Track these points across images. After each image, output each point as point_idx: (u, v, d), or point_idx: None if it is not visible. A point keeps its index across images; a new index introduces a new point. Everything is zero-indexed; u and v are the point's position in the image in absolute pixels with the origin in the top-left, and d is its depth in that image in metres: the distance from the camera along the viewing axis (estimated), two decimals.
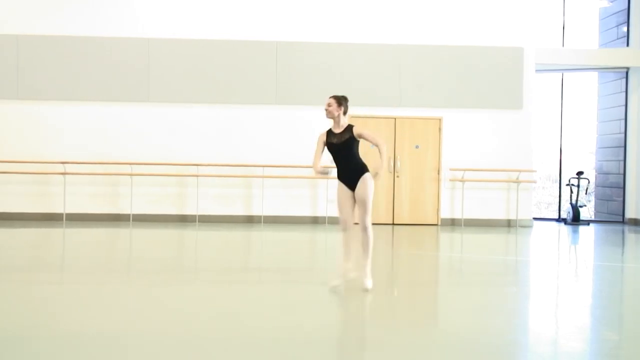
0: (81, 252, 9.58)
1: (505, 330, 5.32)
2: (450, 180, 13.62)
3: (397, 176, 13.67)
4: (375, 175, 6.40)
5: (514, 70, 13.67)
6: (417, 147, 13.71)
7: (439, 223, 13.68)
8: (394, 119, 13.68)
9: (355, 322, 5.62)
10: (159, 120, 13.32)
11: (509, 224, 13.71)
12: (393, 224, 13.61)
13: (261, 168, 13.25)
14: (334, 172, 6.71)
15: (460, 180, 13.50)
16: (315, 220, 13.48)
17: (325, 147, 6.59)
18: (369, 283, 6.46)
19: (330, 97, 6.53)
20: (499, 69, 13.65)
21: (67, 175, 12.94)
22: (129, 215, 13.12)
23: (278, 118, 13.47)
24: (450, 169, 13.58)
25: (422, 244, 11.33)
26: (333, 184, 13.32)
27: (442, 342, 4.87)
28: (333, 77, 13.43)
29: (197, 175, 13.08)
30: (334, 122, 6.52)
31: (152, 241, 10.94)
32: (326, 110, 6.49)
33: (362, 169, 6.46)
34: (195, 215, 13.17)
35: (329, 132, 6.55)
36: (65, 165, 12.91)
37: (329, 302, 6.28)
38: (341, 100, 6.52)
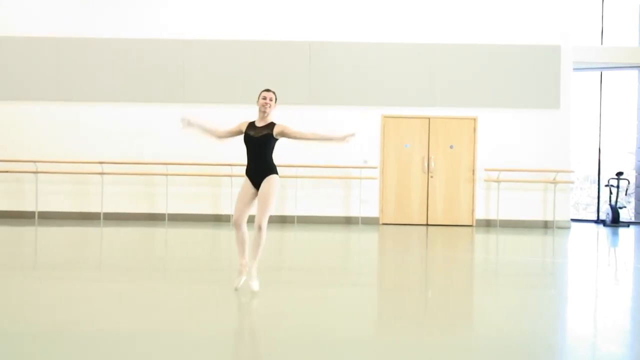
0: (120, 251, 9.69)
1: (544, 333, 5.23)
2: (485, 180, 13.47)
3: (431, 176, 13.57)
4: (345, 138, 6.38)
5: (550, 68, 13.46)
6: (451, 147, 13.59)
7: (474, 224, 13.54)
8: (427, 119, 13.59)
9: (388, 324, 5.57)
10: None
11: (545, 226, 13.51)
12: (427, 224, 13.52)
13: (294, 168, 13.26)
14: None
15: (496, 181, 13.35)
16: (348, 221, 13.45)
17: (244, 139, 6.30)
18: (254, 285, 6.15)
19: (269, 92, 6.27)
20: (535, 67, 13.47)
21: (104, 175, 13.12)
22: (164, 214, 13.25)
23: (310, 118, 13.46)
24: (485, 169, 13.44)
25: (457, 245, 11.22)
26: (368, 184, 13.31)
27: (477, 345, 4.81)
28: (366, 77, 13.41)
29: (231, 176, 13.14)
30: (261, 116, 6.26)
31: (188, 241, 11.02)
32: (265, 104, 6.19)
33: (272, 169, 6.21)
34: (229, 216, 13.24)
35: (251, 124, 6.28)
36: (103, 165, 13.09)
37: (358, 304, 6.25)
38: (276, 96, 6.31)
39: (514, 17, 13.53)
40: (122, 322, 5.17)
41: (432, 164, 13.57)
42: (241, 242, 6.28)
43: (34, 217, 13.14)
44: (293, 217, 13.36)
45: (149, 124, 13.41)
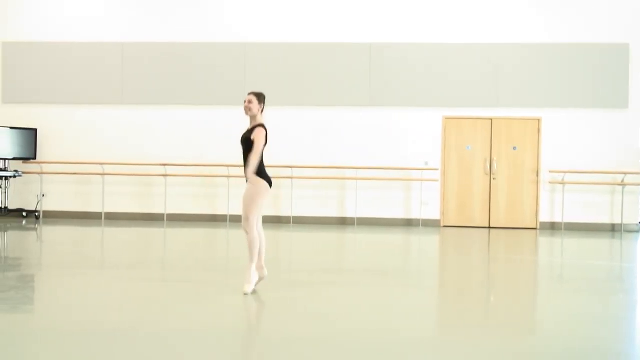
0: (183, 252, 9.88)
1: (610, 340, 5.08)
2: (549, 182, 13.17)
3: (494, 178, 13.35)
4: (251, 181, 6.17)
5: (619, 67, 13.07)
6: (514, 148, 13.34)
7: (538, 227, 13.25)
8: (490, 120, 13.37)
9: (450, 326, 5.51)
10: None
11: (613, 229, 13.12)
12: (489, 227, 13.30)
13: (355, 170, 13.26)
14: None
15: (561, 183, 13.03)
16: (408, 223, 13.36)
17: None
18: (246, 288, 6.13)
19: (250, 94, 6.34)
20: (602, 66, 13.09)
21: (167, 177, 13.40)
22: (226, 216, 13.43)
23: (371, 120, 13.44)
24: (550, 171, 13.13)
25: (521, 248, 11.00)
26: (429, 186, 13.20)
27: (541, 351, 4.70)
28: (426, 78, 13.30)
29: (291, 178, 13.23)
30: (250, 118, 6.32)
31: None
32: (245, 107, 6.26)
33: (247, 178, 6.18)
34: (290, 217, 13.33)
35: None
36: (166, 167, 13.38)
37: (421, 306, 6.20)
38: (261, 98, 6.35)
39: (580, 15, 13.18)
40: (188, 322, 5.26)
41: (494, 166, 13.35)
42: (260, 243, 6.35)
43: (100, 218, 13.52)
44: (353, 219, 13.35)
45: (212, 127, 13.61)
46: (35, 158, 13.43)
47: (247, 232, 6.23)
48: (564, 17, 13.22)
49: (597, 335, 5.16)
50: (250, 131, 6.25)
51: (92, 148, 13.71)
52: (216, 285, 6.88)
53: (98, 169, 13.50)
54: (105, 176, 13.50)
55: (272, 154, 13.29)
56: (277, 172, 13.43)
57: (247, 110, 6.28)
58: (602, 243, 11.54)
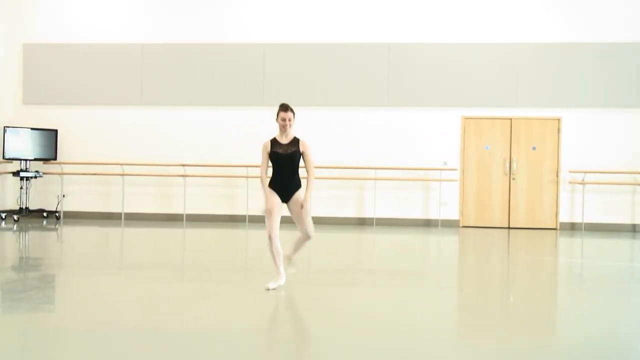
0: (201, 252, 9.92)
1: (631, 341, 5.03)
2: (569, 182, 13.06)
3: (513, 178, 13.27)
4: (301, 208, 6.32)
5: (639, 67, 12.95)
6: (533, 148, 13.25)
7: (558, 227, 13.15)
8: (509, 120, 13.29)
9: (470, 327, 5.48)
10: (272, 124, 13.55)
11: (634, 229, 12.98)
12: (509, 227, 13.22)
13: (373, 170, 13.23)
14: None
15: (581, 183, 12.91)
16: (427, 223, 13.31)
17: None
18: (271, 285, 6.41)
19: (288, 111, 6.50)
20: (622, 65, 12.97)
21: (186, 178, 13.46)
22: (244, 216, 13.46)
23: (390, 120, 13.41)
24: (570, 171, 13.03)
25: (541, 248, 10.92)
26: (448, 187, 13.14)
27: (561, 352, 4.66)
28: (445, 78, 13.24)
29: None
30: (281, 132, 6.49)
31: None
32: (286, 125, 6.45)
33: (299, 183, 6.42)
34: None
35: (274, 142, 6.50)
36: (185, 167, 13.44)
37: (440, 306, 6.17)
38: (294, 112, 6.55)
39: (600, 15, 13.07)
40: (206, 322, 5.28)
41: (514, 166, 13.27)
42: (278, 253, 6.44)
43: (120, 219, 13.61)
44: (372, 219, 13.33)
45: (230, 127, 13.65)
46: (55, 159, 13.55)
47: (309, 237, 6.53)
48: (583, 16, 13.11)
49: (617, 336, 5.11)
50: (292, 144, 6.46)
51: (112, 149, 13.81)
52: (234, 285, 6.90)
53: (118, 169, 13.59)
54: (125, 177, 13.59)
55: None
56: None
57: (287, 127, 6.46)
58: (622, 243, 11.43)
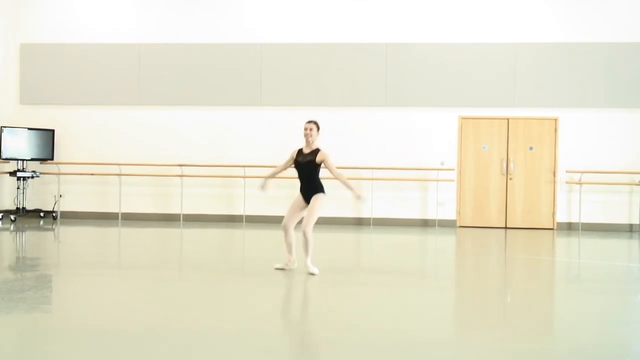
0: (199, 252, 9.91)
1: (628, 341, 5.03)
2: (567, 182, 13.08)
3: (510, 178, 13.28)
4: (359, 198, 7.41)
5: (636, 66, 12.96)
6: (531, 148, 13.26)
7: (555, 227, 13.17)
8: (507, 120, 13.31)
9: (467, 328, 5.48)
10: (270, 124, 13.59)
11: (631, 229, 13.00)
12: (506, 227, 13.23)
13: (371, 170, 13.24)
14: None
15: (578, 183, 12.93)
16: (425, 223, 13.32)
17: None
18: (315, 270, 7.34)
19: (310, 122, 7.39)
20: (620, 65, 12.99)
21: (184, 178, 13.45)
22: (242, 216, 13.46)
23: (387, 120, 13.41)
24: (567, 171, 13.05)
25: (538, 248, 10.93)
26: (445, 187, 13.15)
27: (558, 352, 4.67)
28: (443, 78, 13.25)
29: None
30: (307, 143, 7.37)
31: (265, 242, 11.15)
32: (307, 134, 7.32)
33: (317, 188, 7.38)
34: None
35: (299, 151, 7.45)
36: (182, 167, 13.43)
37: (437, 307, 6.18)
38: (318, 126, 7.43)
39: (597, 14, 13.08)
40: (203, 322, 5.28)
41: (511, 166, 13.28)
42: (289, 243, 7.48)
43: (117, 218, 13.60)
44: (369, 219, 13.33)
45: (228, 127, 13.65)
46: (52, 159, 13.53)
47: (305, 233, 7.32)
48: (580, 16, 13.13)
49: (614, 336, 5.11)
50: (311, 154, 7.34)
51: (109, 149, 13.79)
52: (232, 285, 6.90)
53: (115, 169, 13.57)
54: (122, 177, 13.57)
55: (287, 155, 13.37)
56: (293, 172, 13.44)
57: (308, 137, 7.33)
58: (619, 243, 11.45)
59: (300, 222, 7.49)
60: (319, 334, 4.97)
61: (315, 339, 4.81)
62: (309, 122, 7.41)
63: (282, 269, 7.54)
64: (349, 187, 7.37)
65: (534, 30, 13.19)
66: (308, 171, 7.33)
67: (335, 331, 5.04)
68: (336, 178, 7.38)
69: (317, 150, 7.34)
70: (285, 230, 7.44)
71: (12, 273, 7.55)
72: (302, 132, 7.38)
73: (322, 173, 7.54)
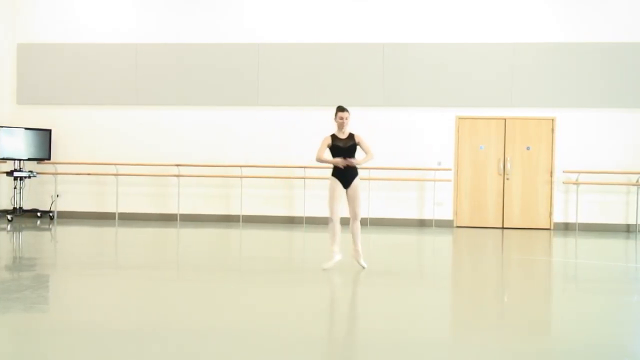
0: (197, 252, 9.90)
1: (625, 341, 5.04)
2: (564, 182, 13.09)
3: (507, 178, 13.29)
4: (344, 160, 7.51)
5: (634, 66, 12.97)
6: (528, 148, 13.28)
7: (552, 227, 13.18)
8: (504, 120, 13.32)
9: (464, 328, 5.48)
10: (267, 124, 13.59)
11: (628, 229, 13.02)
12: (502, 227, 13.24)
13: (367, 170, 13.23)
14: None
15: (575, 183, 12.95)
16: (422, 223, 13.32)
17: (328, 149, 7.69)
18: (364, 263, 7.69)
19: (345, 111, 7.78)
20: (617, 65, 13.00)
21: (180, 178, 13.44)
22: (239, 216, 13.46)
23: (384, 120, 13.41)
24: (564, 171, 13.06)
25: (535, 248, 10.94)
26: (442, 187, 13.15)
27: (556, 352, 4.67)
28: (440, 78, 13.26)
29: (304, 178, 13.23)
30: (339, 129, 7.72)
31: (264, 241, 11.15)
32: (343, 124, 7.70)
33: (356, 171, 7.72)
34: (302, 217, 13.34)
35: (334, 136, 7.72)
36: (179, 167, 13.42)
37: (433, 307, 6.18)
38: (349, 113, 7.82)
39: (595, 14, 13.09)
40: (200, 322, 5.28)
41: (508, 166, 13.29)
42: (337, 232, 7.66)
43: (114, 218, 13.58)
44: (366, 219, 13.31)
45: (225, 127, 13.64)
46: (49, 159, 13.52)
47: (357, 219, 7.76)
48: (578, 17, 13.14)
49: (611, 336, 5.12)
50: (350, 139, 7.70)
51: (106, 149, 13.77)
52: (230, 285, 6.89)
53: (112, 169, 13.56)
54: (119, 176, 13.56)
55: (285, 155, 13.40)
56: (290, 172, 13.45)
57: (344, 125, 7.71)
58: (616, 243, 11.46)
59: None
60: (318, 334, 4.97)
61: (315, 339, 4.81)
62: (343, 110, 7.77)
63: (333, 264, 7.58)
64: (367, 157, 7.74)
65: (531, 30, 13.20)
66: (349, 155, 7.59)
67: (335, 331, 5.04)
68: (367, 152, 7.73)
69: (352, 135, 7.74)
70: (337, 220, 7.64)
71: (9, 273, 7.55)
72: (336, 120, 7.71)
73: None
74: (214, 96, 13.68)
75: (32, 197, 13.82)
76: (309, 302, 6.15)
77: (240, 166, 13.26)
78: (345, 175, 7.61)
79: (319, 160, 7.70)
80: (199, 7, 13.75)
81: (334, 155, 7.65)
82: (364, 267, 7.68)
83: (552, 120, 13.22)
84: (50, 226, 12.53)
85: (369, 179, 13.18)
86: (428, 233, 12.38)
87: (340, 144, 7.66)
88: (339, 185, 7.62)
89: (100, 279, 7.19)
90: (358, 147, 7.69)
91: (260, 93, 13.58)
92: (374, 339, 4.82)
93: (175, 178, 13.50)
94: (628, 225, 13.05)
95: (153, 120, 13.78)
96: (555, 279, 8.13)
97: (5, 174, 13.39)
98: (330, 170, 7.76)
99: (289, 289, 6.67)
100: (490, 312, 6.09)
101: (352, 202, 7.67)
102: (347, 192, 7.64)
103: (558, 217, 13.23)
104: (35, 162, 13.54)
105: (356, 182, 7.67)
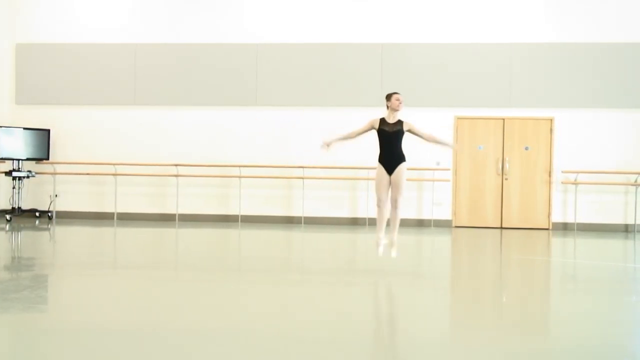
0: (195, 252, 9.90)
1: (624, 342, 5.05)
2: (562, 182, 13.10)
3: (506, 178, 13.30)
4: (455, 146, 7.66)
5: (632, 67, 12.99)
6: (526, 148, 13.29)
7: (550, 227, 13.19)
8: (502, 120, 13.33)
9: (462, 328, 5.49)
10: (266, 124, 13.59)
11: (626, 229, 13.04)
12: (501, 227, 13.25)
13: (366, 170, 13.23)
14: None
15: (573, 183, 12.96)
16: (420, 223, 13.33)
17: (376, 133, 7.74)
18: (394, 253, 7.74)
19: (399, 94, 7.68)
20: (615, 66, 13.02)
21: (179, 177, 13.44)
22: (237, 216, 13.46)
23: None
24: (563, 171, 13.07)
25: (534, 248, 10.95)
26: (440, 187, 13.16)
27: (554, 353, 4.68)
28: (438, 78, 13.26)
29: (303, 178, 13.24)
30: (391, 114, 7.66)
31: (262, 241, 11.15)
32: (399, 105, 7.63)
33: (403, 157, 7.69)
34: (301, 217, 13.35)
35: (382, 120, 7.70)
36: (178, 167, 13.42)
37: (432, 307, 6.19)
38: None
39: (593, 14, 13.11)
40: (199, 322, 5.28)
41: (506, 166, 13.30)
42: (384, 219, 7.77)
43: (113, 218, 13.58)
44: (364, 219, 13.33)
45: (223, 127, 13.65)
46: (48, 158, 13.51)
47: (397, 206, 7.77)
48: (576, 17, 13.15)
49: (610, 337, 5.13)
50: (397, 124, 7.68)
51: (105, 149, 13.77)
52: (229, 285, 6.90)
53: (110, 169, 13.55)
54: (118, 176, 13.56)
55: (284, 155, 13.41)
56: (289, 172, 13.46)
57: (400, 107, 7.66)
58: (615, 243, 11.47)
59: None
60: (318, 334, 4.97)
61: (315, 339, 4.81)
62: (399, 93, 7.70)
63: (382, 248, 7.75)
64: (445, 144, 8.01)
65: (529, 30, 13.22)
66: (395, 140, 7.62)
67: (334, 331, 5.04)
68: (430, 140, 7.86)
69: (400, 121, 7.69)
70: (382, 206, 7.71)
71: (7, 273, 7.54)
72: (391, 103, 7.62)
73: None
74: (213, 96, 13.68)
75: (31, 197, 13.82)
76: (308, 302, 6.16)
77: (239, 166, 13.26)
78: (390, 161, 7.64)
79: (343, 134, 7.92)
80: (198, 7, 13.75)
81: (380, 139, 7.69)
82: (393, 257, 7.77)
83: (551, 120, 13.24)
84: (49, 226, 12.53)
85: (368, 179, 13.18)
86: (426, 233, 12.39)
87: (387, 128, 7.67)
88: (383, 171, 7.69)
89: (99, 279, 7.20)
90: (407, 133, 7.65)
91: (259, 93, 13.58)
92: (374, 339, 4.82)
93: (174, 178, 13.50)
94: (626, 225, 13.07)
95: (152, 120, 13.79)
96: (553, 279, 8.14)
97: (4, 174, 13.38)
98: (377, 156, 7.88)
99: (288, 289, 6.67)
100: (489, 312, 6.10)
101: (393, 188, 7.69)
102: (390, 178, 7.66)
103: (556, 217, 13.24)
104: (34, 162, 13.54)
105: (400, 168, 7.66)
